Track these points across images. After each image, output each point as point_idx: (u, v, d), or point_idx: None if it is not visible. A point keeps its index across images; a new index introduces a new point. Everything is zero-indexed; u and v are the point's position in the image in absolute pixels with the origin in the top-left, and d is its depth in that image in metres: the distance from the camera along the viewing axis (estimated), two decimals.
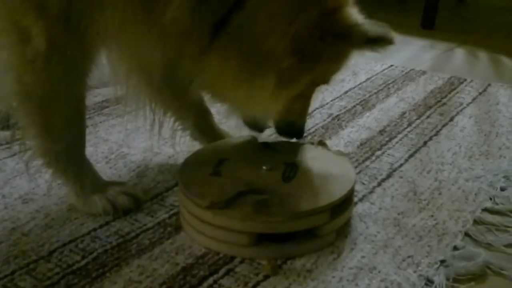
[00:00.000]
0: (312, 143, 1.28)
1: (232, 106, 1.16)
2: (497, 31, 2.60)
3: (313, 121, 1.59)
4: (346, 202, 1.09)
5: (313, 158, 1.20)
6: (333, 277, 0.99)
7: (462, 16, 2.85)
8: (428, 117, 1.64)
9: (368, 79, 1.93)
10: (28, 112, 1.06)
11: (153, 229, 1.13)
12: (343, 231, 1.11)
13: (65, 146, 1.11)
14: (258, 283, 0.98)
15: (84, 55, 1.04)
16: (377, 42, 1.00)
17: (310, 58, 1.01)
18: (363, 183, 1.29)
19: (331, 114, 1.64)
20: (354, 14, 1.04)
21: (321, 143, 1.27)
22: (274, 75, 1.01)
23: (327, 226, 1.06)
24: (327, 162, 1.19)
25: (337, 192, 1.07)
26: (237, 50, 0.99)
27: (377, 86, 1.87)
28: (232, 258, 1.04)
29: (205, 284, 0.98)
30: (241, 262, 1.03)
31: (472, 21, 2.75)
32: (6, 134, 1.43)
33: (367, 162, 1.38)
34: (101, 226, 1.14)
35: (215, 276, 1.00)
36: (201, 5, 0.95)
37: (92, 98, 1.67)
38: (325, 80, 1.14)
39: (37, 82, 1.02)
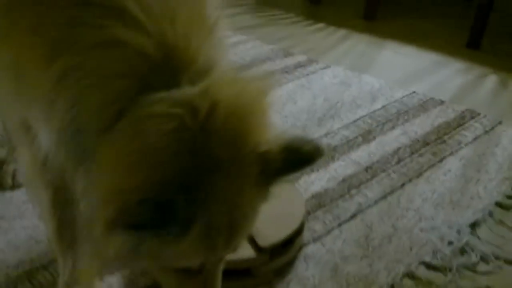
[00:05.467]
0: None
1: None
2: None
3: None
4: (285, 247, 1.24)
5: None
6: None
7: None
8: (420, 155, 1.71)
9: (383, 106, 2.00)
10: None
11: None
12: (283, 270, 1.26)
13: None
14: None
15: None
16: None
17: None
18: (325, 223, 1.41)
19: (329, 144, 1.75)
20: None
21: None
22: None
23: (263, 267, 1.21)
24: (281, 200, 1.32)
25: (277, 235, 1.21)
26: None
27: (388, 115, 1.94)
28: None
29: None
30: None
31: None
32: None
33: (339, 201, 1.50)
34: None
35: None
36: None
37: None
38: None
39: None
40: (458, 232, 1.39)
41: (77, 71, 0.83)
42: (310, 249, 1.33)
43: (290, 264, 1.28)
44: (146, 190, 0.76)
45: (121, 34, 0.80)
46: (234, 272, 1.20)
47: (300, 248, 1.32)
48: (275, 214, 1.27)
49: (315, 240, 1.36)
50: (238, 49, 2.52)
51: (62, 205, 1.13)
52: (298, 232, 1.28)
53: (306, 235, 1.36)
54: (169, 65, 0.81)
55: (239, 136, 0.83)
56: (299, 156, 0.86)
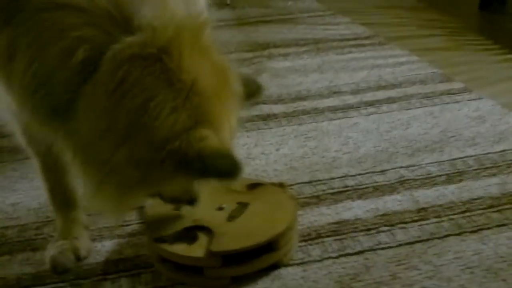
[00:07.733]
0: (273, 184, 1.32)
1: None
2: None
3: (376, 179, 1.54)
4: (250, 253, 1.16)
5: (264, 199, 1.28)
6: None
7: None
8: (499, 211, 1.39)
9: (503, 150, 1.66)
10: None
11: None
12: (242, 282, 1.18)
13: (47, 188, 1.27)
14: None
15: None
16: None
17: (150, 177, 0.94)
18: (327, 251, 1.28)
19: (402, 176, 1.55)
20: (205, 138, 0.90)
21: (282, 185, 1.31)
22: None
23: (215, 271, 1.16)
24: (273, 207, 1.26)
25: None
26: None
27: (499, 160, 1.61)
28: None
29: None
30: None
31: None
32: None
33: (360, 234, 1.33)
34: None
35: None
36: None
37: None
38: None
39: None
40: None
41: (26, 36, 0.89)
42: (286, 271, 1.22)
43: (253, 278, 1.19)
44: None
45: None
46: (188, 267, 1.18)
47: (277, 265, 1.22)
48: (249, 224, 1.21)
49: (300, 264, 1.24)
50: (399, 68, 2.35)
51: (52, 172, 1.25)
52: (269, 248, 1.19)
53: (299, 256, 1.25)
54: (115, 18, 0.87)
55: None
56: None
